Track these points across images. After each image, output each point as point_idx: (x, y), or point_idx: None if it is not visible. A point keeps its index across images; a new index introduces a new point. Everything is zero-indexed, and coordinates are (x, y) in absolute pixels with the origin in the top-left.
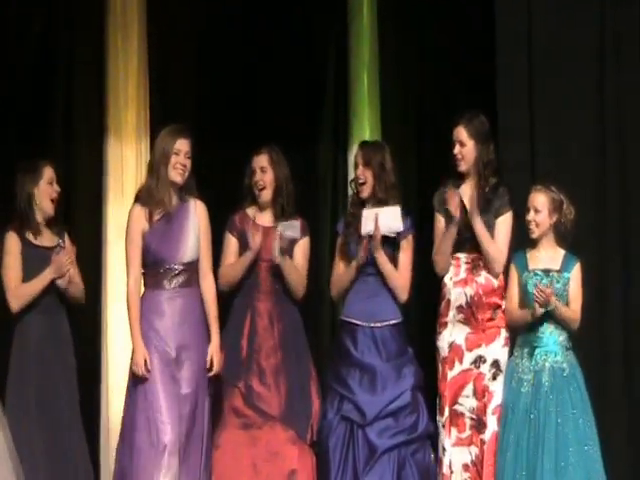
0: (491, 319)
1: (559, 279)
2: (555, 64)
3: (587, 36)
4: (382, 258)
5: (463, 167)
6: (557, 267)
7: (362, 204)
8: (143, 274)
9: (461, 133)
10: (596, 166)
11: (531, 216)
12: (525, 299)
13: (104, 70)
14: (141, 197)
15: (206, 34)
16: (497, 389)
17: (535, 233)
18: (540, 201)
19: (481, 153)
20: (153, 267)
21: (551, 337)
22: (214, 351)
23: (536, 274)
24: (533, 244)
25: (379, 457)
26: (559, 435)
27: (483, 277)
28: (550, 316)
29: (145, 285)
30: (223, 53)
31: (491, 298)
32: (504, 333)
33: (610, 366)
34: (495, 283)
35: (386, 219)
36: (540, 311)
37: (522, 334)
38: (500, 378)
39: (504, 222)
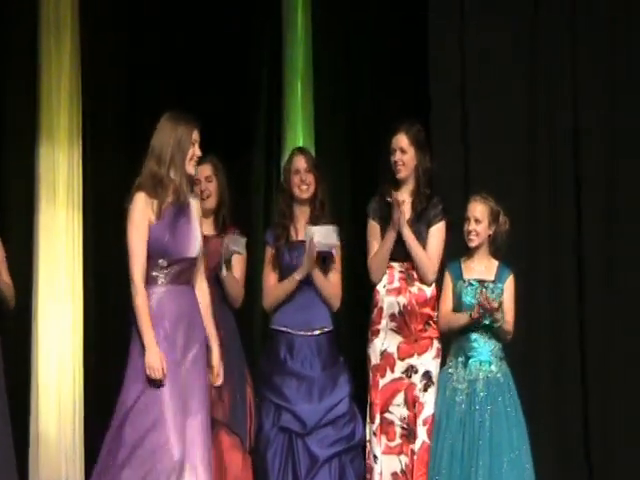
0: (424, 330)
1: (493, 289)
2: (488, 76)
3: (519, 55)
4: (317, 272)
5: (403, 174)
6: (491, 277)
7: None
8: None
9: (402, 140)
10: (527, 180)
11: (472, 226)
12: (459, 308)
13: (37, 73)
14: (146, 186)
15: (139, 38)
16: (428, 400)
17: (474, 242)
18: (480, 211)
19: (421, 161)
20: (158, 261)
21: (485, 347)
22: (218, 362)
23: (471, 284)
24: (468, 254)
25: (320, 466)
26: (493, 444)
27: (416, 287)
28: (484, 325)
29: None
30: (156, 58)
31: (424, 309)
32: (436, 344)
33: (539, 374)
34: (428, 294)
35: (322, 236)
36: (478, 314)
37: (455, 343)
38: (431, 389)
39: (437, 232)
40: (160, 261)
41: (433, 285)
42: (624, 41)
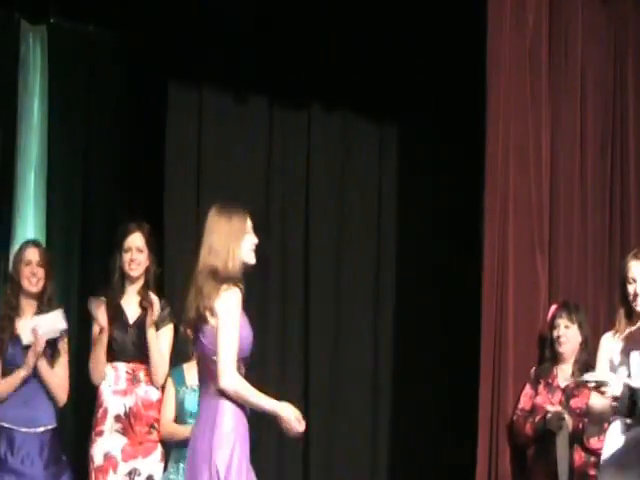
0: (149, 432)
1: None
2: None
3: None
4: (43, 365)
5: (137, 273)
6: None
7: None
8: None
9: (138, 239)
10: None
11: None
12: (181, 415)
13: None
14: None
15: None
16: None
17: None
18: None
19: (152, 260)
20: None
21: None
22: None
23: (194, 390)
24: (191, 360)
25: None
26: None
27: (143, 389)
28: None
29: None
30: None
31: (149, 412)
32: (160, 448)
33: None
34: (155, 397)
35: (47, 325)
36: None
37: (177, 449)
38: None
39: (165, 334)
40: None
41: (160, 389)
42: None
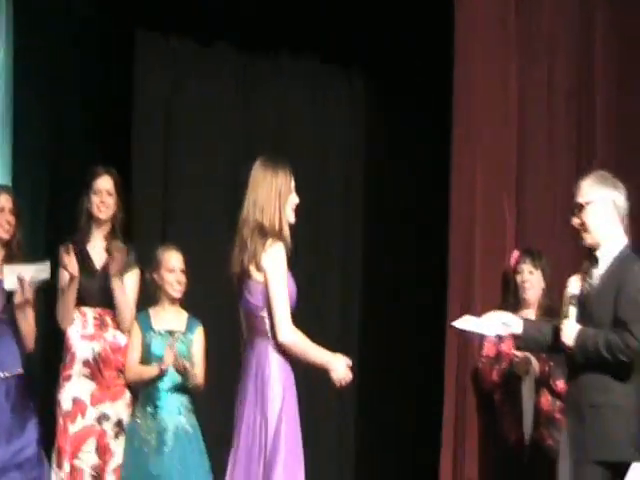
0: (117, 377)
1: (184, 340)
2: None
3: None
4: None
5: (105, 215)
6: (182, 328)
7: None
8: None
9: (108, 182)
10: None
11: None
12: (148, 359)
13: None
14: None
15: None
16: (118, 449)
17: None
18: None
19: (119, 207)
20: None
21: (174, 398)
22: None
23: (161, 334)
24: (157, 304)
25: None
26: None
27: (111, 334)
28: (171, 377)
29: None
30: None
31: (118, 356)
32: (128, 392)
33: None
34: (123, 342)
35: (32, 273)
36: (169, 362)
37: (144, 394)
38: (122, 437)
39: (131, 279)
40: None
41: (127, 333)
42: None
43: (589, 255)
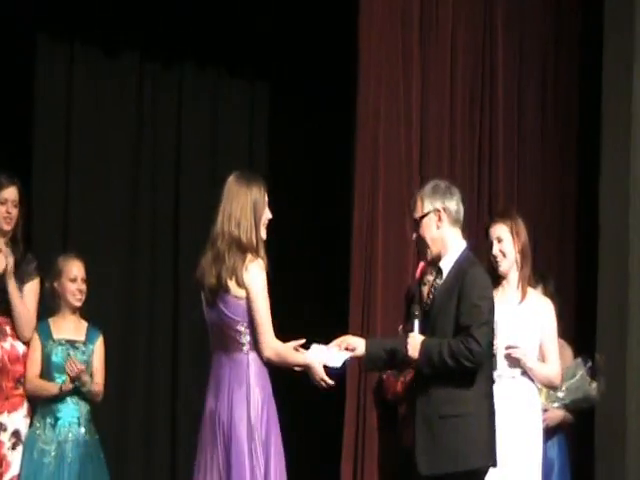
0: (15, 387)
1: (85, 350)
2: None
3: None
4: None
5: (9, 227)
6: (82, 338)
7: None
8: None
9: (14, 193)
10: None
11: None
12: (48, 369)
13: None
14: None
15: None
16: (15, 459)
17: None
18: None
19: (21, 215)
20: None
21: (74, 408)
22: None
23: (61, 344)
24: (57, 314)
25: None
26: None
27: (9, 343)
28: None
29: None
30: None
31: (16, 366)
32: (26, 403)
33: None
34: (21, 351)
35: None
36: (70, 386)
37: (43, 404)
38: (20, 448)
39: (31, 289)
40: None
41: (26, 343)
42: None
43: (434, 268)
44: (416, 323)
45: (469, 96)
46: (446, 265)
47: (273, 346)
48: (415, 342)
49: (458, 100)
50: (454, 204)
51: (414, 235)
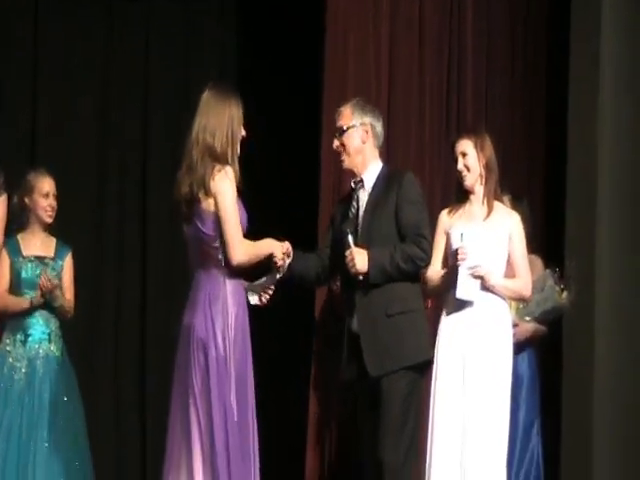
0: None
1: (54, 267)
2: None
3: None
4: None
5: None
6: (51, 254)
7: None
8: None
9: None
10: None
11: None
12: (18, 285)
13: None
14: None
15: None
16: None
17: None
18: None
19: None
20: None
21: (44, 324)
22: None
23: (30, 260)
24: (25, 230)
25: None
26: (52, 421)
27: None
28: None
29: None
30: None
31: None
32: None
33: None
34: None
35: None
36: (41, 300)
37: (12, 321)
38: None
39: None
40: None
41: None
42: None
43: (353, 180)
44: (350, 238)
45: (437, 38)
46: (369, 178)
47: (242, 255)
48: (361, 256)
49: (426, 42)
50: (380, 127)
51: (335, 142)
